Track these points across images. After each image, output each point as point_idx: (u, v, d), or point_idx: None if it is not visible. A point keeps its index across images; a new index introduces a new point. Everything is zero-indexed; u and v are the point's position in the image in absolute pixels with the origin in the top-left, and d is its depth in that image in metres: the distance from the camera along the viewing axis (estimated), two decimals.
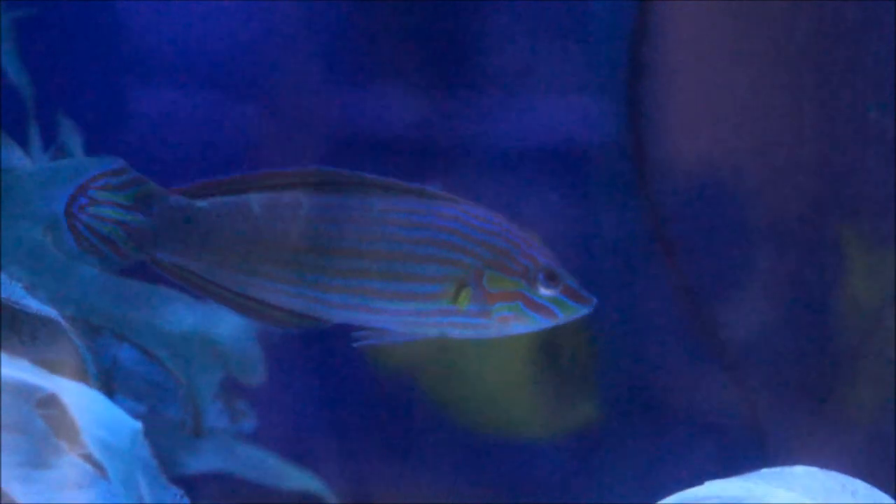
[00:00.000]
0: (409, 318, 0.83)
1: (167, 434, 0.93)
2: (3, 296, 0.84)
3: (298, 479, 1.05)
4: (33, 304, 0.85)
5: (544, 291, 0.82)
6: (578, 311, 0.83)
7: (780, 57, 1.18)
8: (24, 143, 1.01)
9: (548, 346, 1.23)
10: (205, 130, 1.21)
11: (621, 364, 1.25)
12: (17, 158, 0.89)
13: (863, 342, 1.19)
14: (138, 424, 0.71)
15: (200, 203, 0.82)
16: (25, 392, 0.75)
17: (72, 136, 1.01)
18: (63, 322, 0.86)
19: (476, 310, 0.82)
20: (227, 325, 0.92)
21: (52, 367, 0.89)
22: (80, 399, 0.73)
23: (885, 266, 1.18)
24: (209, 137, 1.21)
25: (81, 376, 0.88)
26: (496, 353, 1.23)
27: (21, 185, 0.87)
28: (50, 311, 0.85)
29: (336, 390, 1.24)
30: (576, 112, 1.23)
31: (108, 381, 0.88)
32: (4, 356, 0.77)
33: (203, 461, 0.94)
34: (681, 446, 1.23)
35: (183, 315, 0.91)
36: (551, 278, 0.82)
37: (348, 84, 1.23)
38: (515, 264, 0.83)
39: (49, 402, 0.74)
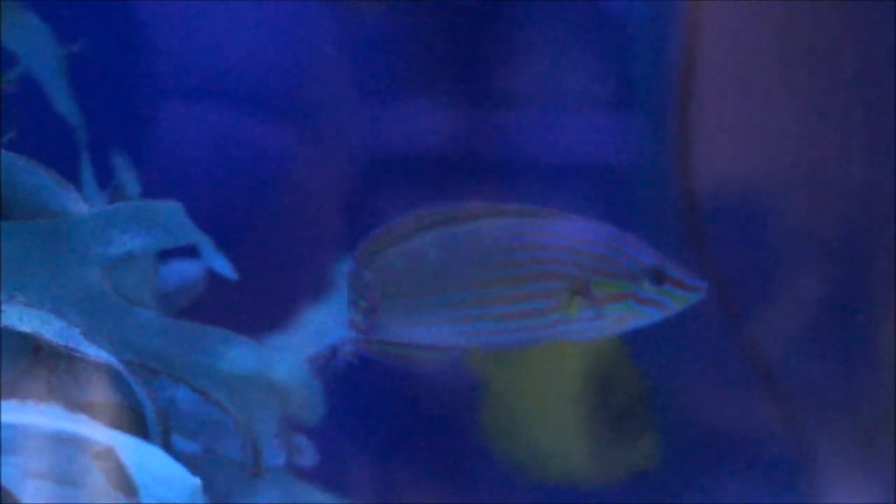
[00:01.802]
0: (528, 333, 0.87)
1: (225, 474, 0.93)
2: (61, 342, 0.84)
3: None
4: (91, 350, 0.84)
5: (652, 286, 0.86)
6: (690, 299, 0.87)
7: (826, 87, 1.17)
8: (77, 182, 1.01)
9: (599, 385, 1.22)
10: (248, 153, 1.21)
11: (669, 398, 1.24)
12: (73, 201, 0.89)
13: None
14: (197, 482, 0.71)
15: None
16: (82, 444, 0.75)
17: (127, 175, 1.00)
18: (121, 366, 0.86)
19: (590, 314, 0.86)
20: (286, 365, 0.92)
21: (109, 412, 0.89)
22: (137, 453, 0.73)
23: None
24: (253, 160, 1.21)
25: (139, 420, 0.88)
26: (549, 395, 1.23)
27: (78, 229, 0.87)
28: (108, 356, 0.85)
29: (394, 428, 1.23)
30: (612, 131, 1.22)
31: (165, 424, 0.88)
32: (62, 408, 0.77)
33: (262, 500, 0.94)
34: (729, 478, 1.22)
35: (241, 356, 0.91)
36: (658, 275, 0.86)
37: (379, 102, 1.22)
38: (619, 267, 0.86)
39: (105, 456, 0.74)
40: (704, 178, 1.19)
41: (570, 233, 0.86)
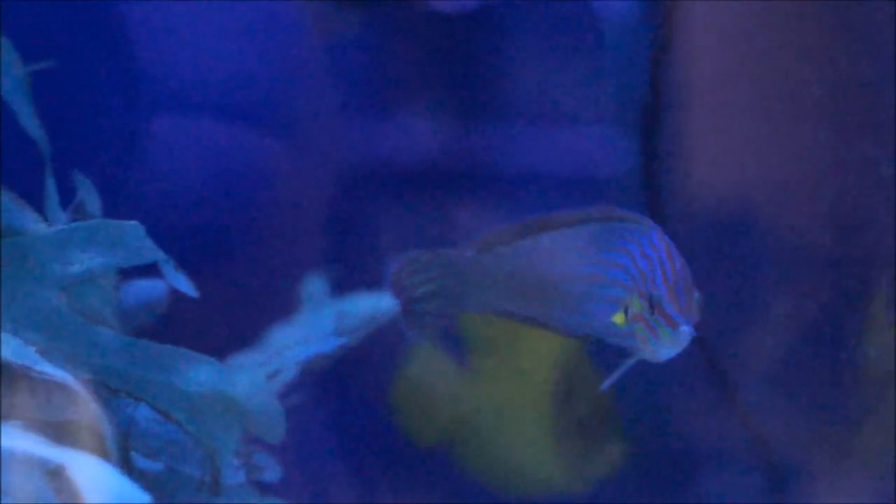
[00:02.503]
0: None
1: (186, 492, 0.93)
2: (17, 361, 0.84)
3: None
4: (48, 368, 0.84)
5: (654, 315, 0.84)
6: (674, 339, 0.84)
7: (796, 107, 1.18)
8: (41, 200, 1.01)
9: (563, 393, 1.22)
10: (225, 168, 1.21)
11: (635, 409, 1.24)
12: (30, 221, 0.89)
13: (880, 391, 1.18)
14: (148, 499, 0.71)
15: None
16: (36, 464, 0.74)
17: (88, 193, 1.00)
18: (78, 385, 0.86)
19: (628, 330, 0.85)
20: (246, 384, 0.92)
21: (69, 431, 0.89)
22: (89, 471, 0.73)
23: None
24: (229, 175, 1.21)
25: (98, 439, 0.88)
26: (516, 409, 1.23)
27: (36, 248, 0.87)
28: (65, 375, 0.85)
29: (358, 440, 1.23)
30: (594, 142, 1.22)
31: (125, 442, 0.88)
32: (17, 428, 0.77)
33: None
34: (698, 489, 1.22)
35: (200, 375, 0.90)
36: (652, 303, 0.84)
37: (368, 114, 1.22)
38: (645, 287, 0.85)
39: (57, 474, 0.74)
40: (681, 191, 1.20)
41: (638, 247, 0.85)
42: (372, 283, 1.12)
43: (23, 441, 0.76)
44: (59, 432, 0.89)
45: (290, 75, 1.22)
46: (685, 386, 1.23)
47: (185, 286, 0.93)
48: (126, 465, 0.87)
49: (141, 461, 0.92)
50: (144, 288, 1.02)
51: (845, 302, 1.19)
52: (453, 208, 1.23)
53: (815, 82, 1.17)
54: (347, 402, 1.23)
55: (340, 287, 1.12)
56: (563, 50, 1.22)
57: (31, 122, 1.02)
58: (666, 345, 0.84)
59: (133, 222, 0.90)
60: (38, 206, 0.97)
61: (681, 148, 1.20)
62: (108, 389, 0.89)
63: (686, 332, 0.83)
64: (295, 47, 1.22)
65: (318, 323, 1.09)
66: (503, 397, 1.23)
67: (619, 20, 1.22)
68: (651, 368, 1.22)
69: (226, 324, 1.16)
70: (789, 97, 1.18)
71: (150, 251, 0.90)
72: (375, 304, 1.07)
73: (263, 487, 0.96)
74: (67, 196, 1.03)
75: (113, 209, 1.02)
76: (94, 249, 0.89)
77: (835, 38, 1.17)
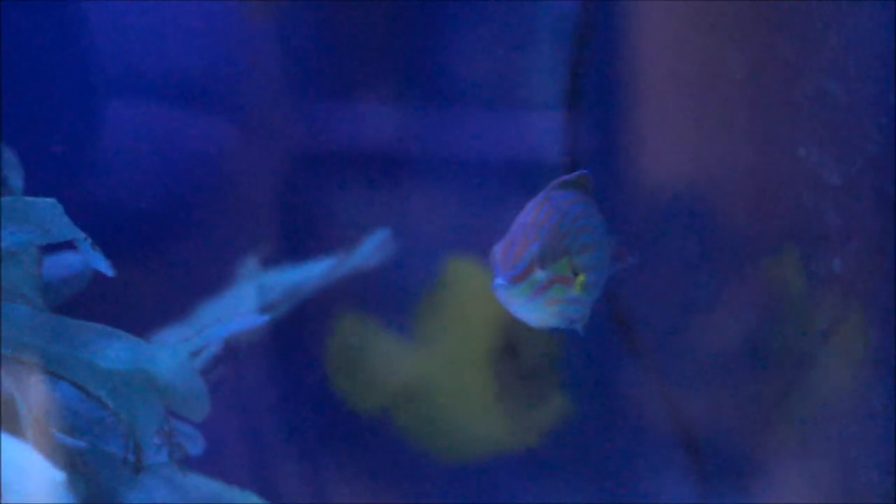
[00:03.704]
0: None
1: (108, 470, 0.92)
2: None
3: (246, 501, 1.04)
4: None
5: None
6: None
7: (716, 90, 1.18)
8: None
9: (505, 354, 1.22)
10: (175, 146, 1.20)
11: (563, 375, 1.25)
12: None
13: (796, 374, 1.19)
14: (61, 475, 0.70)
15: None
16: None
17: (13, 169, 0.99)
18: None
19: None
20: (167, 361, 0.91)
21: None
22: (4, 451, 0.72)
23: (816, 302, 1.18)
24: (180, 153, 1.20)
25: (12, 416, 0.88)
26: (457, 371, 1.23)
27: None
28: None
29: (293, 412, 1.23)
30: (543, 125, 1.22)
31: (42, 419, 0.87)
32: None
33: (145, 495, 0.93)
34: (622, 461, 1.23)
35: (120, 352, 0.90)
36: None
37: (319, 96, 1.22)
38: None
39: None
40: (646, 178, 1.20)
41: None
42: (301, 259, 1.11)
43: None
44: None
45: (234, 56, 1.21)
46: (611, 360, 1.24)
47: (102, 265, 0.92)
48: (45, 443, 0.86)
49: (63, 439, 0.91)
50: (68, 262, 1.01)
51: (779, 286, 1.20)
52: (400, 192, 1.23)
53: (736, 63, 1.17)
54: (280, 374, 1.23)
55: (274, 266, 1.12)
56: (508, 33, 1.22)
57: None
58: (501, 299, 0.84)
59: (50, 199, 0.89)
60: None
61: (614, 134, 1.20)
62: (26, 365, 0.88)
63: (498, 284, 0.82)
64: (240, 29, 1.21)
65: (243, 298, 1.09)
66: (444, 360, 1.23)
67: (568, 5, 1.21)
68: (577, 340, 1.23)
69: (153, 300, 1.15)
70: (710, 79, 1.18)
71: (67, 229, 0.89)
72: (299, 277, 1.07)
73: (188, 464, 0.96)
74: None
75: (47, 186, 1.01)
76: (10, 226, 0.88)
77: (759, 19, 1.17)
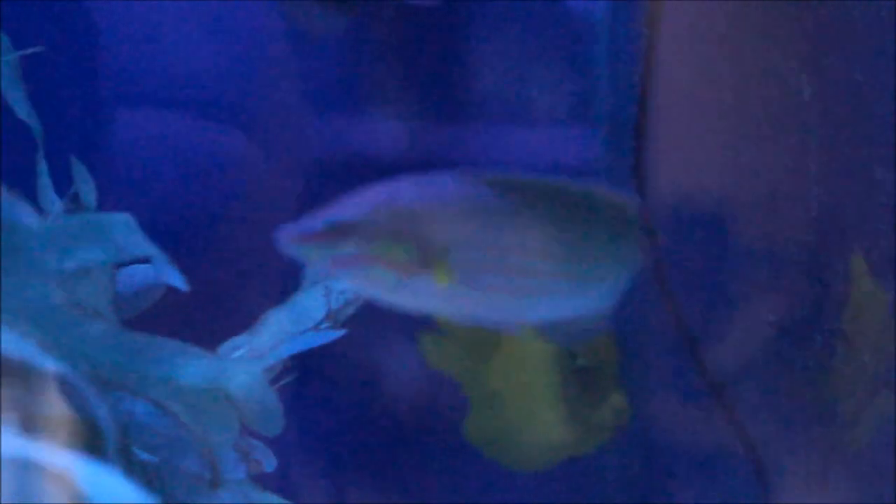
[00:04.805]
0: None
1: (185, 486, 0.92)
2: (16, 355, 0.83)
3: None
4: (47, 363, 0.84)
5: None
6: None
7: (787, 111, 1.17)
8: (34, 188, 1.00)
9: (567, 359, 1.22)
10: (205, 158, 1.20)
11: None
12: (25, 214, 0.88)
13: (858, 387, 1.19)
14: (147, 497, 0.71)
15: None
16: (38, 468, 0.74)
17: (85, 183, 0.99)
18: (78, 379, 0.85)
19: None
20: (242, 377, 0.91)
21: (64, 426, 0.89)
22: (93, 475, 0.73)
23: (881, 316, 1.17)
24: (210, 166, 1.20)
25: (94, 433, 0.88)
26: (521, 379, 1.23)
27: (31, 242, 0.86)
28: (64, 369, 0.84)
29: (357, 424, 1.23)
30: (566, 142, 1.22)
31: (124, 437, 0.88)
32: (15, 429, 0.76)
33: None
34: (679, 482, 1.23)
35: (197, 368, 0.90)
36: None
37: (335, 111, 1.21)
38: None
39: (61, 479, 0.74)
40: (661, 190, 1.19)
41: None
42: None
43: (24, 445, 0.76)
44: (56, 428, 0.89)
45: (267, 70, 1.21)
46: (667, 379, 1.23)
47: (177, 280, 0.92)
48: (126, 461, 0.87)
49: (140, 455, 0.91)
50: (141, 274, 1.01)
51: (832, 303, 1.19)
52: None
53: (801, 83, 1.16)
54: (344, 385, 1.23)
55: None
56: (537, 46, 1.21)
57: (23, 107, 1.01)
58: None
59: (124, 215, 0.89)
60: (29, 193, 0.97)
61: (665, 148, 1.19)
62: (105, 383, 0.88)
63: (276, 233, 0.79)
64: (271, 42, 1.21)
65: (309, 306, 1.09)
66: (506, 367, 1.23)
67: (592, 17, 1.21)
68: (635, 362, 1.23)
69: (218, 310, 1.15)
70: (781, 100, 1.18)
71: (142, 245, 0.89)
72: None
73: (263, 482, 0.96)
74: (62, 185, 1.02)
75: (105, 200, 1.01)
76: (87, 243, 0.88)
77: (822, 38, 1.16)
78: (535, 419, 1.22)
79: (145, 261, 0.99)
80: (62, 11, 1.17)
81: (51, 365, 0.84)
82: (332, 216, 0.78)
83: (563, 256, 0.81)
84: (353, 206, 0.79)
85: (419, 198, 0.79)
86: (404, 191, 0.79)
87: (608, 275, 0.83)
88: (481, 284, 0.79)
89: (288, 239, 0.79)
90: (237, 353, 1.01)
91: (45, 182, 1.00)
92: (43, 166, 1.00)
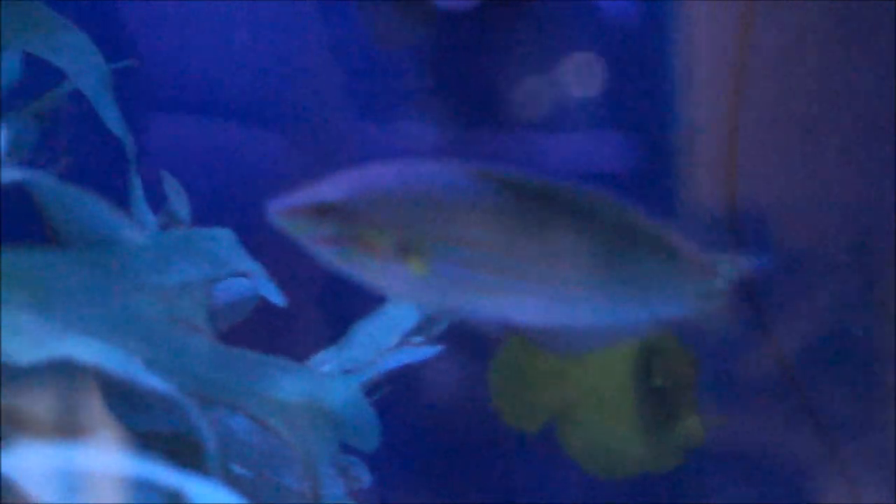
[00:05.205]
0: None
1: (285, 502, 0.93)
2: (123, 373, 0.84)
3: None
4: (153, 381, 0.84)
5: None
6: None
7: (866, 127, 1.17)
8: (127, 201, 1.00)
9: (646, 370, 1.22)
10: (293, 174, 1.20)
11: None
12: (127, 229, 0.88)
13: None
14: None
15: None
16: (153, 489, 0.74)
17: (178, 197, 1.00)
18: (181, 397, 0.86)
19: None
20: (341, 392, 0.91)
21: (167, 441, 0.89)
22: (197, 491, 0.73)
23: None
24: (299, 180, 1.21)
25: (195, 449, 0.88)
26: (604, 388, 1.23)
27: (134, 258, 0.87)
28: (169, 387, 0.85)
29: (451, 446, 1.23)
30: (601, 146, 1.21)
31: (224, 454, 0.88)
32: (127, 449, 0.77)
33: None
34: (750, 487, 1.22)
35: (296, 384, 0.90)
36: None
37: (370, 118, 1.21)
38: None
39: (175, 498, 0.74)
40: (745, 192, 1.19)
41: None
42: None
43: (136, 465, 0.76)
44: (158, 444, 0.89)
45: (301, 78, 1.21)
46: (763, 405, 1.23)
47: (275, 295, 0.92)
48: (226, 477, 0.87)
49: (237, 471, 0.92)
50: (234, 287, 1.01)
51: None
52: None
53: (876, 93, 1.15)
54: (435, 395, 1.23)
55: None
56: (571, 50, 1.21)
57: (116, 122, 1.01)
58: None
59: (225, 230, 0.89)
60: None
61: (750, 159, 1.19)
62: (206, 399, 0.88)
63: (268, 206, 0.78)
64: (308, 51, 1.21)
65: (399, 317, 1.08)
66: (588, 380, 1.22)
67: (628, 21, 1.20)
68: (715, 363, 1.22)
69: (307, 321, 1.15)
70: (860, 116, 1.17)
71: (242, 260, 0.89)
72: None
73: (357, 496, 0.96)
74: (152, 198, 1.03)
75: (198, 214, 1.02)
76: (187, 259, 0.88)
77: None
78: (612, 434, 1.22)
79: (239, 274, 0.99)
80: (150, 23, 1.18)
81: (155, 382, 0.84)
82: (317, 194, 0.78)
83: (546, 259, 0.78)
84: (339, 186, 0.78)
85: (402, 184, 0.77)
86: (389, 176, 0.78)
87: (605, 288, 0.80)
88: (458, 278, 0.77)
89: (275, 211, 0.78)
90: (328, 366, 1.01)
91: (138, 197, 1.00)
92: (136, 181, 1.00)
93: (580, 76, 1.20)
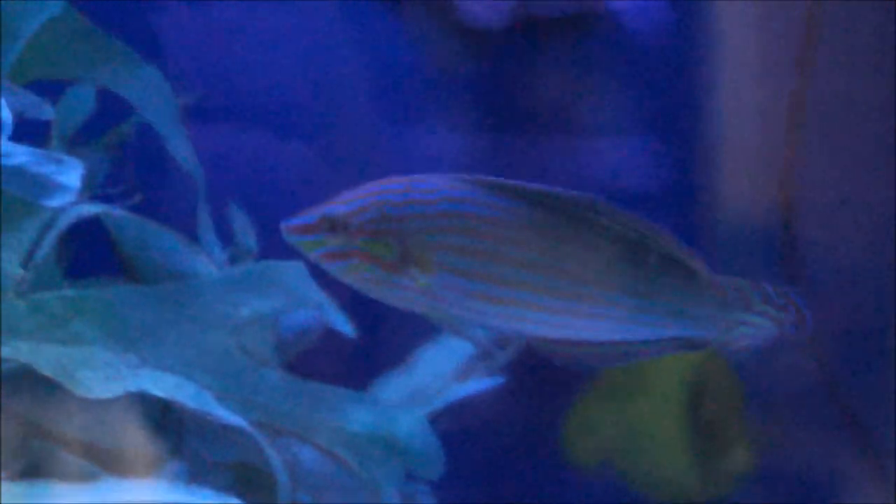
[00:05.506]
0: None
1: None
2: (195, 406, 0.86)
3: None
4: (224, 414, 0.86)
5: None
6: None
7: None
8: (195, 232, 1.02)
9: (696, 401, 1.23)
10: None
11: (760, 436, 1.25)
12: (201, 263, 0.90)
13: None
14: None
15: None
16: None
17: (245, 231, 1.01)
18: (251, 429, 0.87)
19: None
20: (408, 423, 0.93)
21: (235, 472, 0.91)
22: None
23: None
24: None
25: (263, 479, 0.90)
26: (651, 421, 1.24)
27: (207, 292, 0.89)
28: (239, 420, 0.86)
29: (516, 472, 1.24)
30: (636, 155, 1.22)
31: (293, 484, 0.89)
32: (188, 486, 0.78)
33: None
34: None
35: (363, 414, 0.92)
36: None
37: (400, 125, 1.22)
38: None
39: None
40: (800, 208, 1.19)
41: None
42: None
43: (198, 493, 0.78)
44: (227, 475, 0.91)
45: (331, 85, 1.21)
46: (808, 421, 1.23)
47: (345, 326, 0.94)
48: None
49: (307, 500, 0.93)
50: (299, 318, 1.03)
51: None
52: None
53: None
54: (493, 424, 1.24)
55: None
56: (601, 63, 1.21)
57: (186, 155, 1.03)
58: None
59: (297, 263, 0.90)
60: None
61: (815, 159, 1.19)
62: (275, 431, 0.90)
63: (282, 225, 0.79)
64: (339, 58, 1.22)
65: (460, 342, 1.10)
66: (639, 411, 1.24)
67: (655, 32, 1.21)
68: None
69: (369, 347, 1.16)
70: None
71: (313, 293, 0.91)
72: None
73: None
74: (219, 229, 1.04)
75: (265, 246, 1.03)
76: (260, 292, 0.90)
77: None
78: (663, 464, 1.23)
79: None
80: (217, 55, 1.19)
81: (226, 414, 0.86)
82: (325, 210, 0.79)
83: (550, 270, 0.79)
84: (345, 201, 0.79)
85: (406, 197, 0.79)
86: (394, 189, 0.79)
87: (612, 301, 0.80)
88: (461, 289, 0.78)
89: (287, 230, 0.79)
90: (393, 392, 1.02)
91: (207, 228, 1.02)
92: (205, 213, 1.02)
93: (615, 96, 1.21)
